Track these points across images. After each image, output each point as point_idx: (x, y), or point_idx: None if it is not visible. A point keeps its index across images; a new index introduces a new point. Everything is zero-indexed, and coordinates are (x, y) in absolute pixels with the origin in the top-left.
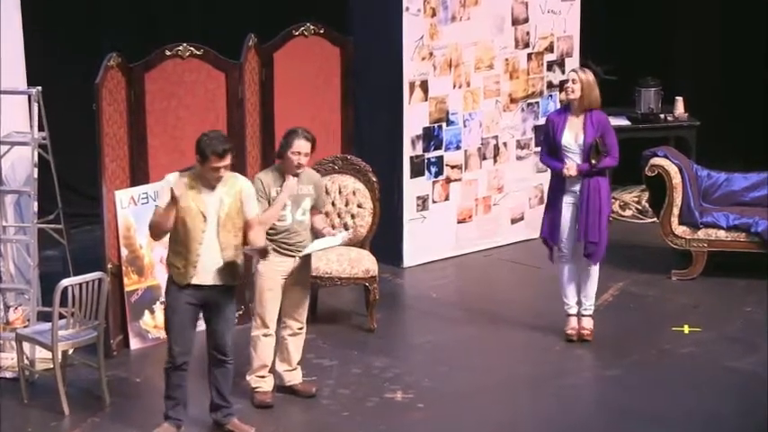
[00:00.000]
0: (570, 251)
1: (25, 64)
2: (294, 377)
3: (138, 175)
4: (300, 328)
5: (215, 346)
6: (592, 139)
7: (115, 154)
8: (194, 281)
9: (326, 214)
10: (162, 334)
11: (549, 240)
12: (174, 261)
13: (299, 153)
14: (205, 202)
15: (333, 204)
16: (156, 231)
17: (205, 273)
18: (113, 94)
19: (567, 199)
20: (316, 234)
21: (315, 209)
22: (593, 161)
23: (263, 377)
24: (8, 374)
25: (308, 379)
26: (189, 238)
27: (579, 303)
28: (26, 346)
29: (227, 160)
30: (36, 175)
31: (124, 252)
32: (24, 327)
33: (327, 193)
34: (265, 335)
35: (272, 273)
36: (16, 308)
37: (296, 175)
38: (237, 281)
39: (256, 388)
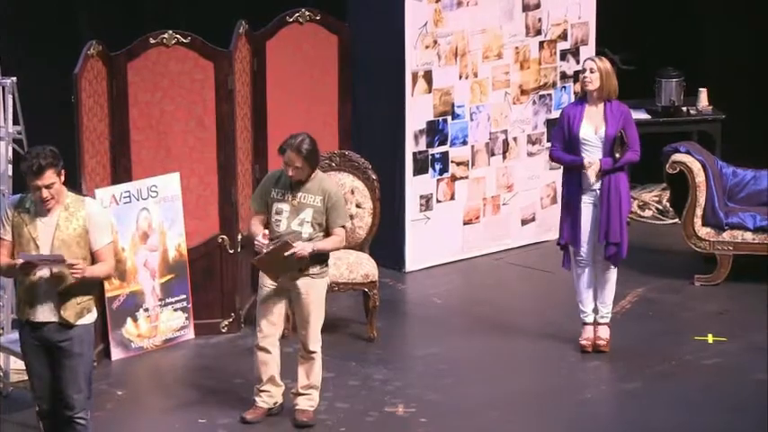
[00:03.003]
0: (589, 254)
1: None
2: (298, 400)
3: (120, 173)
4: (310, 353)
5: (60, 399)
6: (615, 131)
7: (95, 150)
8: (31, 317)
9: None
10: (145, 343)
11: (571, 246)
12: (17, 294)
13: (288, 165)
14: (38, 227)
15: None
16: (2, 273)
17: (41, 308)
18: (93, 85)
19: (585, 198)
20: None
21: (331, 226)
22: (617, 155)
23: (260, 391)
24: None
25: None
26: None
27: (596, 311)
28: (0, 355)
29: (48, 179)
30: (10, 173)
31: None
32: None
33: None
34: (258, 347)
35: (268, 283)
36: None
37: (295, 182)
38: (79, 319)
39: (253, 401)
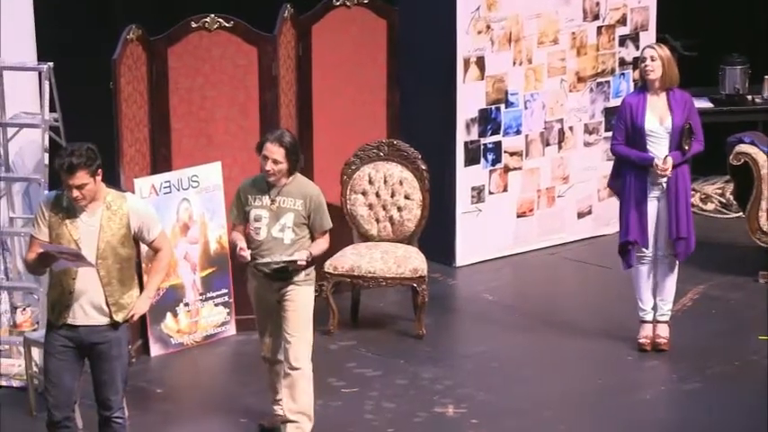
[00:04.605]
0: (654, 251)
1: (35, 37)
2: (287, 430)
3: (160, 162)
4: (295, 369)
5: (97, 400)
6: (682, 121)
7: (134, 138)
8: (68, 320)
9: (370, 206)
10: (185, 339)
11: (639, 243)
12: (49, 295)
13: (268, 158)
14: (79, 228)
15: (377, 195)
16: (31, 269)
17: (81, 311)
18: (133, 70)
19: (651, 193)
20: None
21: (317, 231)
22: (686, 147)
23: (277, 400)
24: (15, 383)
25: (348, 390)
26: (61, 271)
27: (655, 308)
28: (35, 351)
29: (79, 179)
30: (47, 161)
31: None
32: (33, 330)
33: (371, 182)
34: (264, 359)
35: (255, 291)
36: (24, 309)
37: (271, 182)
38: (123, 318)
39: (272, 410)
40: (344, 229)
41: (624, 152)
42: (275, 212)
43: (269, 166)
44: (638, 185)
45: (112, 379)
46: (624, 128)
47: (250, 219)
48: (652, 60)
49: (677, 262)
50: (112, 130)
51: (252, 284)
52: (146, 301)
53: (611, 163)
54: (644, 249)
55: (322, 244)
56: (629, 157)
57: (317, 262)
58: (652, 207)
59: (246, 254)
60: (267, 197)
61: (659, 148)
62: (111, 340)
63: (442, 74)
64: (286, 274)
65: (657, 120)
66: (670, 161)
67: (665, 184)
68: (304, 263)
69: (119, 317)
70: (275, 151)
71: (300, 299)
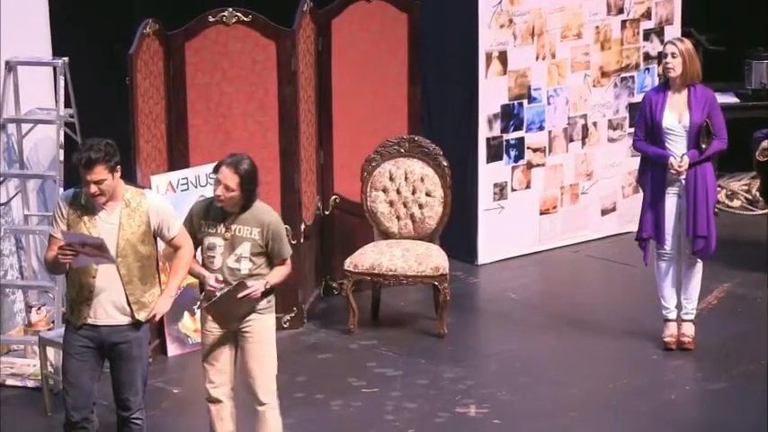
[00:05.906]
0: (674, 248)
1: (50, 31)
2: None
3: (177, 158)
4: (261, 406)
5: (116, 401)
6: (701, 119)
7: (151, 134)
8: (89, 320)
9: (390, 203)
10: None
11: (654, 240)
12: (68, 295)
13: (220, 183)
14: (98, 225)
15: (398, 192)
16: (50, 268)
17: (102, 311)
18: (149, 65)
19: (670, 189)
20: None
21: (277, 258)
22: (704, 145)
23: None
24: (30, 383)
25: (368, 390)
26: (81, 269)
27: (679, 307)
28: (50, 351)
29: (97, 174)
30: (62, 158)
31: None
32: (48, 330)
33: (392, 179)
34: (209, 399)
35: (209, 327)
36: (39, 308)
37: (222, 207)
38: (145, 318)
39: None
40: (365, 227)
41: (643, 149)
42: (230, 241)
43: (220, 191)
44: (656, 182)
45: (132, 379)
46: (644, 124)
47: (203, 246)
48: (673, 57)
49: (699, 260)
50: (128, 126)
51: (204, 315)
52: (167, 300)
53: (636, 159)
54: (664, 246)
55: (283, 270)
56: (648, 153)
57: (276, 289)
58: (671, 204)
59: (216, 287)
60: (222, 225)
61: (677, 145)
62: (133, 340)
63: (464, 69)
64: (252, 305)
65: (676, 117)
66: (686, 160)
67: (683, 181)
68: (257, 291)
69: (141, 316)
70: (229, 177)
71: (262, 329)
